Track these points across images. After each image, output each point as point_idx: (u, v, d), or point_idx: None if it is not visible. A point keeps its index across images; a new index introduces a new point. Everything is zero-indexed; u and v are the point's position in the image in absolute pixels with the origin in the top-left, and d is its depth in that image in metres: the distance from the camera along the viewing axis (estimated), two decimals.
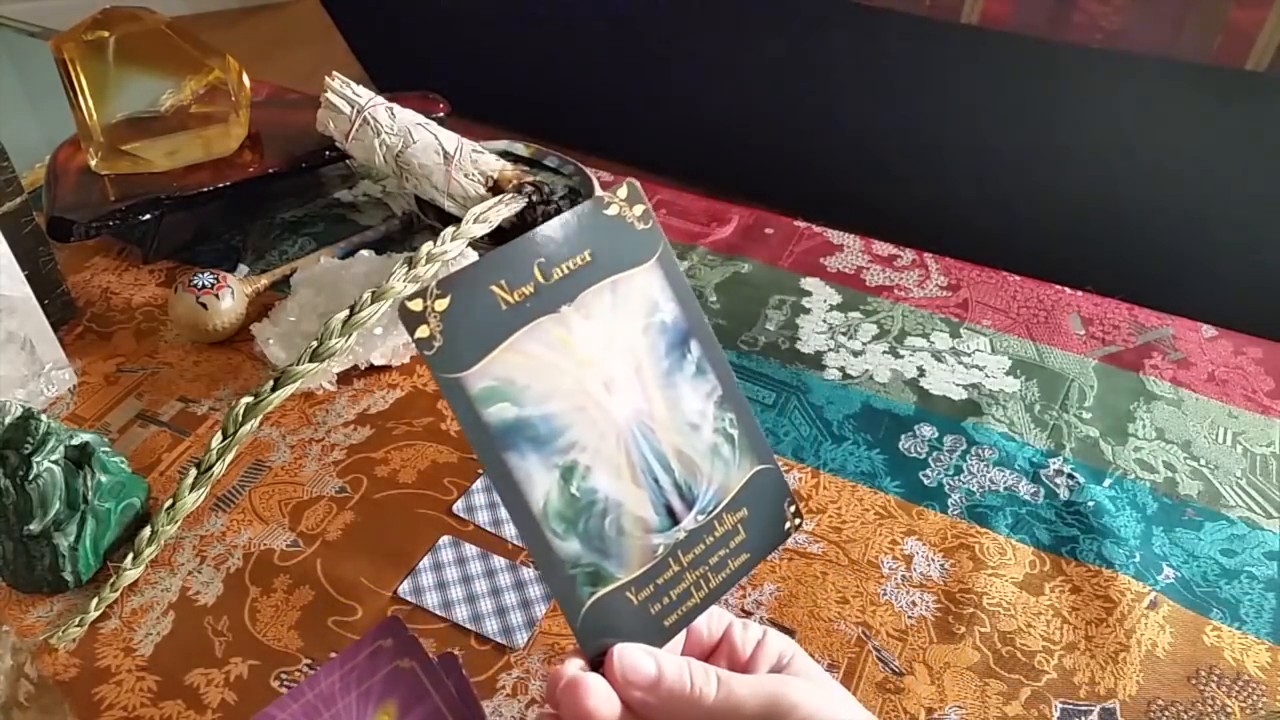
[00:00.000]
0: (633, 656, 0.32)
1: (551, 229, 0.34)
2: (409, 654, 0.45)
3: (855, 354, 0.68)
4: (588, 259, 0.34)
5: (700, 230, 0.79)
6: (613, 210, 0.35)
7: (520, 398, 0.32)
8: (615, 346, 0.34)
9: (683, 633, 0.35)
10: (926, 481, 0.60)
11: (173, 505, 0.54)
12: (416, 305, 0.31)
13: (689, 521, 0.35)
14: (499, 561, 0.54)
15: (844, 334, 0.70)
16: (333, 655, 0.49)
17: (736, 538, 0.36)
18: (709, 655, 0.36)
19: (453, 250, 0.63)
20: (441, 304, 0.31)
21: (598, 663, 0.33)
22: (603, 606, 0.33)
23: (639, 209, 0.36)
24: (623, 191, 0.36)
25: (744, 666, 0.35)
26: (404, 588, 0.53)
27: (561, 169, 0.78)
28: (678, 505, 0.35)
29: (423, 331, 0.31)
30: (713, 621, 0.37)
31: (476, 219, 0.66)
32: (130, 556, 0.53)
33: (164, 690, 0.49)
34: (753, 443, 0.37)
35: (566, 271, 0.34)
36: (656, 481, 0.34)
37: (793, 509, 0.38)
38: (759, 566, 0.54)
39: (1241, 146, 1.35)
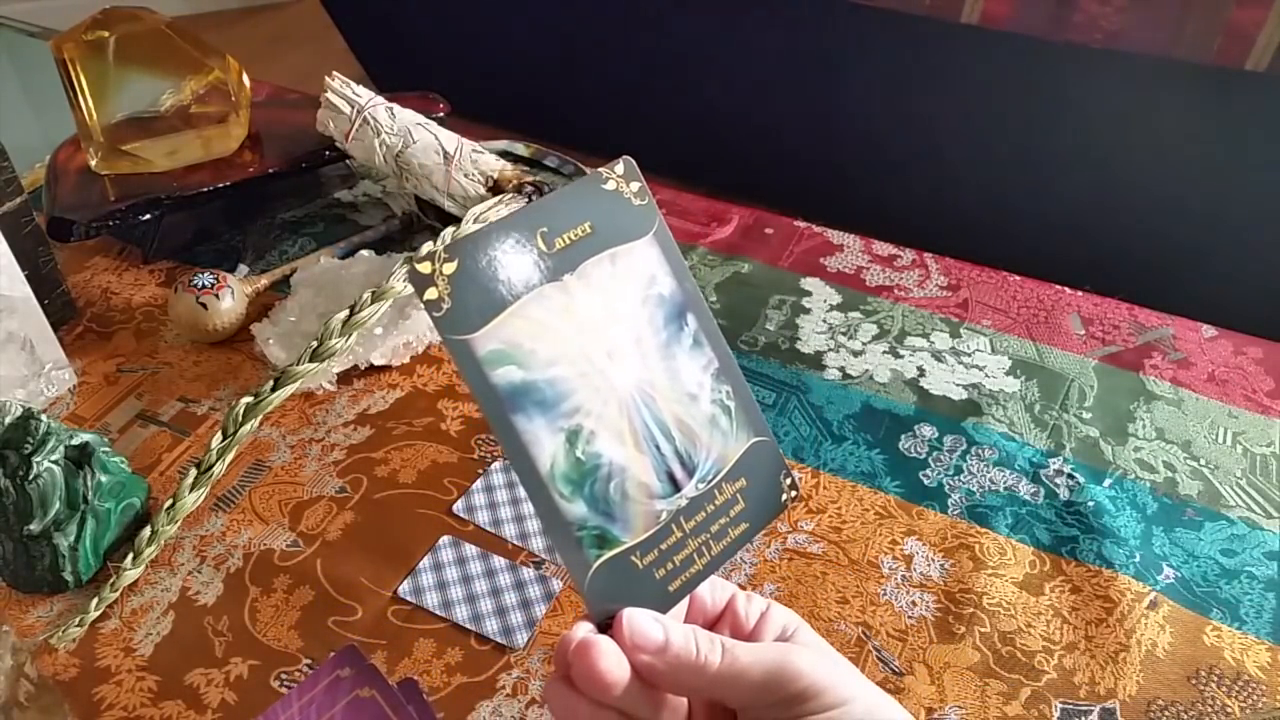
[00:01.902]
0: (641, 621, 0.33)
1: (553, 200, 0.35)
2: (369, 682, 0.45)
3: (855, 354, 0.68)
4: (588, 230, 0.35)
5: (700, 230, 0.79)
6: (610, 185, 0.36)
7: (526, 361, 0.33)
8: (615, 316, 0.35)
9: (684, 601, 0.36)
10: (926, 481, 0.60)
11: (173, 505, 0.54)
12: (425, 268, 0.31)
13: (690, 489, 0.36)
14: (499, 561, 0.54)
15: (844, 334, 0.70)
16: (331, 653, 0.49)
17: (736, 507, 0.37)
18: (712, 625, 0.37)
19: None
20: (449, 267, 0.32)
21: (604, 628, 0.33)
22: (609, 570, 0.33)
23: (635, 185, 0.37)
24: (619, 168, 0.37)
25: (748, 638, 0.35)
26: (404, 588, 0.53)
27: (561, 169, 0.78)
28: (679, 472, 0.35)
29: (431, 293, 0.31)
30: (716, 592, 0.37)
31: (476, 219, 0.66)
32: (130, 556, 0.53)
33: (164, 690, 0.49)
34: (749, 415, 0.38)
35: (568, 242, 0.34)
36: (658, 448, 0.35)
37: (788, 481, 0.38)
38: (759, 566, 0.54)
39: (1241, 146, 1.35)
